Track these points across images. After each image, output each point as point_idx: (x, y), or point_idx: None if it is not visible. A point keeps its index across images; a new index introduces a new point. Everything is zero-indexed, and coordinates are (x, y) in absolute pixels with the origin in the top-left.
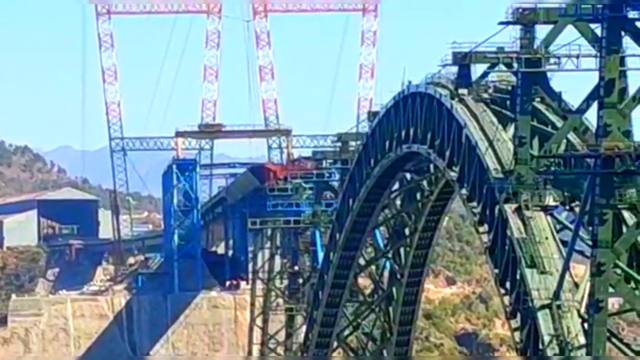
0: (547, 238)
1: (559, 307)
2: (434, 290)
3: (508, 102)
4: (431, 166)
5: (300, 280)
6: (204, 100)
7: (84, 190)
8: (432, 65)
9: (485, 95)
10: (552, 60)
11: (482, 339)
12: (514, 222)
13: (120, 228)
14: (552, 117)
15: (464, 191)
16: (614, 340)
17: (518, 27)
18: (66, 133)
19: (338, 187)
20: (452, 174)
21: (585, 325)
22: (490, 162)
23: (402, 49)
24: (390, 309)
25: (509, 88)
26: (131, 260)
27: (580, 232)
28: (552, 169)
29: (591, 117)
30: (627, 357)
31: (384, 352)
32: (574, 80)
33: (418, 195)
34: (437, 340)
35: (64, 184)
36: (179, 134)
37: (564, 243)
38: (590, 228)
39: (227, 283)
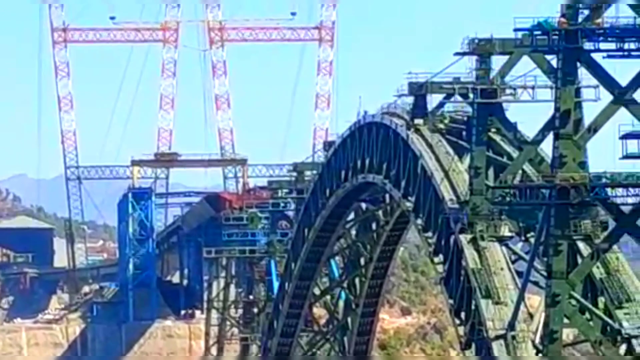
0: (502, 269)
1: (513, 337)
2: (388, 320)
3: (464, 133)
4: (387, 196)
5: (255, 310)
6: (159, 129)
7: (39, 218)
8: (388, 95)
9: (441, 126)
10: (507, 91)
11: None
12: (469, 252)
13: (75, 257)
14: (508, 148)
15: (419, 221)
16: None
17: (474, 57)
18: (21, 161)
19: (293, 217)
20: (408, 204)
21: (540, 356)
22: (445, 192)
23: (358, 79)
24: (345, 339)
25: (465, 118)
26: (86, 289)
27: (535, 262)
28: (508, 199)
29: (547, 148)
30: None
31: None
32: (529, 111)
33: (373, 225)
34: None
35: (18, 212)
36: (134, 163)
37: (519, 274)
38: (545, 259)
39: (182, 312)
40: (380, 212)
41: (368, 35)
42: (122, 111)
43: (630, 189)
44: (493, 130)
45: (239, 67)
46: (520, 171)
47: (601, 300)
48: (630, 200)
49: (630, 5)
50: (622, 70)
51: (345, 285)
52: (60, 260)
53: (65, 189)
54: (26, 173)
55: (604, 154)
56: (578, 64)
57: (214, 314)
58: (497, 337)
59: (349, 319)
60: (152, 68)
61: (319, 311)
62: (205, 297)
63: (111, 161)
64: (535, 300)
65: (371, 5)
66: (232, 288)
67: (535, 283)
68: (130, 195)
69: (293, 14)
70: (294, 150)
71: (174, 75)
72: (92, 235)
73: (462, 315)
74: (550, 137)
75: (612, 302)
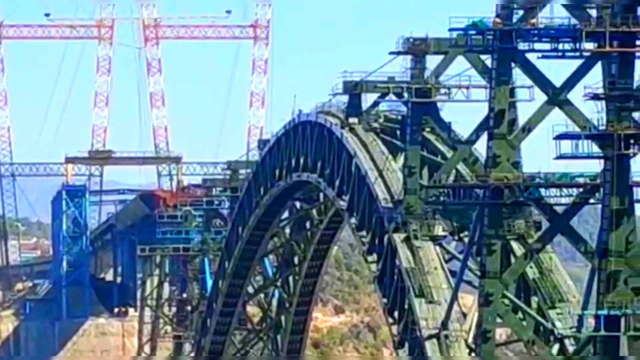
0: (435, 268)
1: (446, 336)
2: (322, 319)
3: (398, 132)
4: (321, 195)
5: (189, 308)
6: (94, 126)
7: None
8: (322, 94)
9: (376, 125)
10: (442, 91)
11: None
12: (403, 251)
13: (8, 254)
14: (442, 148)
15: (353, 220)
16: None
17: (409, 57)
18: None
19: (228, 215)
20: (342, 203)
21: (473, 355)
22: (379, 191)
23: (294, 78)
24: (279, 337)
25: (399, 118)
26: (19, 286)
27: (469, 262)
28: (441, 199)
29: (481, 147)
30: None
31: None
32: (464, 110)
33: (307, 224)
34: None
35: None
36: (68, 160)
37: (453, 273)
38: (479, 258)
39: (116, 310)
40: (314, 211)
41: (303, 34)
42: (56, 108)
43: (564, 189)
44: (427, 129)
45: (174, 64)
46: (454, 171)
47: (534, 300)
48: (563, 200)
49: (565, 6)
50: (556, 71)
51: (278, 283)
52: None
53: None
54: None
55: (538, 154)
56: (512, 64)
57: (148, 312)
58: (431, 337)
59: (283, 318)
60: (87, 65)
61: (252, 309)
62: (138, 295)
63: (45, 158)
64: (469, 300)
65: (307, 3)
66: (166, 286)
67: (469, 282)
68: (64, 192)
69: (228, 11)
70: (229, 148)
71: (108, 72)
72: (26, 232)
73: (396, 314)
74: (484, 136)
75: (545, 302)
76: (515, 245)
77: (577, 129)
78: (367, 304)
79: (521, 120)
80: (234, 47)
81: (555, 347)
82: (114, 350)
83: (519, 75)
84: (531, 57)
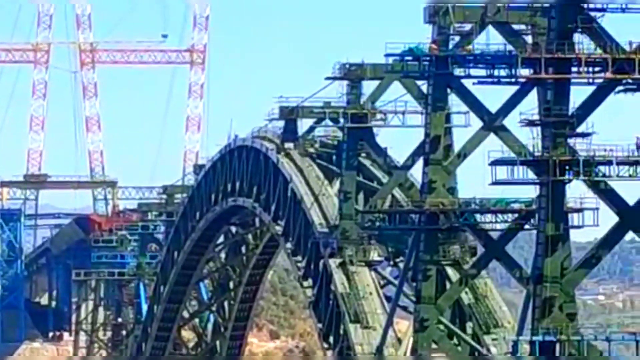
0: (371, 293)
1: None
2: (257, 344)
3: (334, 157)
4: (256, 220)
5: (124, 332)
6: (29, 150)
7: None
8: (259, 119)
9: (312, 150)
10: (378, 116)
11: None
12: (338, 276)
13: None
14: (378, 173)
15: (288, 245)
16: None
17: (345, 82)
18: None
19: (163, 240)
20: (278, 227)
21: None
22: (315, 216)
23: (230, 102)
24: None
25: (335, 143)
26: None
27: (404, 287)
28: (377, 224)
29: (416, 173)
30: None
31: None
32: (400, 136)
33: (243, 249)
34: None
35: None
36: (4, 184)
37: (388, 298)
38: (414, 284)
39: (50, 334)
40: (250, 236)
41: (240, 59)
42: None
43: (499, 215)
44: (363, 155)
45: (110, 88)
46: (389, 196)
47: (469, 325)
48: (498, 226)
49: (500, 32)
50: (492, 97)
51: (214, 308)
52: None
53: None
54: None
55: (473, 180)
56: (448, 90)
57: (82, 336)
58: None
59: (218, 342)
60: (22, 89)
61: (187, 334)
62: (73, 319)
63: None
64: (404, 325)
65: (243, 28)
66: (101, 310)
67: (404, 308)
68: None
69: (164, 36)
70: (165, 173)
71: (44, 96)
72: None
73: (331, 339)
74: (420, 162)
75: (480, 327)
76: (450, 270)
77: (513, 155)
78: (302, 329)
79: (457, 146)
80: (170, 71)
81: None
82: None
83: (454, 101)
84: (467, 83)
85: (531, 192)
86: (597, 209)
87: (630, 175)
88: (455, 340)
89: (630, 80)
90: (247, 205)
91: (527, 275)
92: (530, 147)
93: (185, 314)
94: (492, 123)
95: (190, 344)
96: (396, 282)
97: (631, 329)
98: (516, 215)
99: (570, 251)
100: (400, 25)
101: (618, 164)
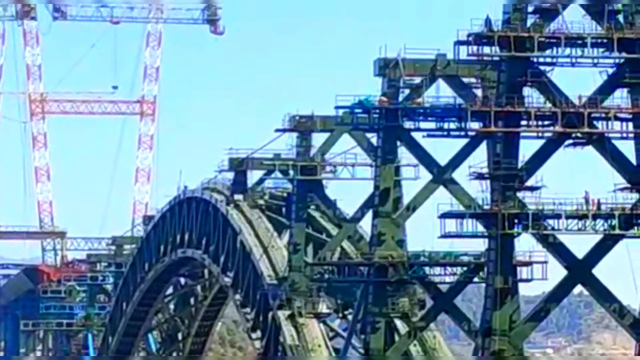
0: (319, 345)
1: None
2: None
3: (284, 209)
4: (205, 271)
5: None
6: None
7: None
8: (208, 170)
9: (261, 202)
10: (327, 168)
11: None
12: (287, 328)
13: None
14: (327, 225)
15: (237, 297)
16: None
17: (295, 134)
18: None
19: (112, 290)
20: (227, 279)
21: None
22: (264, 268)
23: (179, 154)
24: None
25: (285, 195)
26: None
27: (353, 340)
28: (326, 276)
29: (366, 225)
30: None
31: None
32: (349, 188)
33: (192, 300)
34: None
35: None
36: None
37: (337, 351)
38: (363, 336)
39: None
40: (198, 287)
41: (190, 110)
42: None
43: (448, 268)
44: (313, 207)
45: (59, 139)
46: (339, 248)
47: None
48: (447, 279)
49: (450, 85)
50: (442, 150)
51: None
52: None
53: None
54: None
55: (422, 233)
56: (398, 143)
57: None
58: None
59: None
60: None
61: None
62: None
63: None
64: None
65: (194, 79)
66: None
67: None
68: None
69: (115, 87)
70: (114, 223)
71: None
72: None
73: None
74: (369, 214)
75: None
76: (399, 323)
77: (462, 208)
78: None
79: (406, 199)
80: (120, 122)
81: None
82: None
83: (404, 154)
84: (417, 135)
85: (480, 245)
86: (545, 262)
87: (578, 229)
88: None
89: (579, 134)
90: (196, 256)
91: (476, 328)
92: (479, 200)
93: None
94: (442, 176)
95: None
96: (345, 334)
97: None
98: (465, 268)
99: (519, 304)
100: (350, 78)
101: (567, 217)
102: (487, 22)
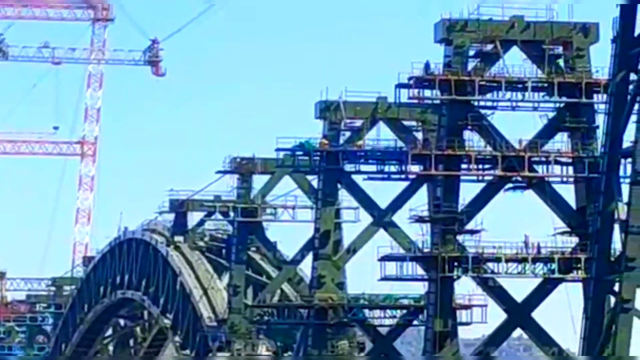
0: None
1: None
2: None
3: (224, 251)
4: (145, 312)
5: None
6: None
7: None
8: (149, 212)
9: (201, 244)
10: (268, 211)
11: None
12: None
13: None
14: (267, 267)
15: (177, 338)
16: None
17: (235, 176)
18: None
19: (51, 332)
20: (166, 321)
21: None
22: (204, 310)
23: (120, 195)
24: None
25: (225, 237)
26: None
27: None
28: (266, 318)
29: (306, 268)
30: None
31: None
32: (289, 230)
33: (131, 342)
34: None
35: None
36: None
37: None
38: None
39: None
40: (138, 329)
41: (131, 151)
42: None
43: (388, 311)
44: (253, 249)
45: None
46: (279, 290)
47: None
48: (387, 321)
49: (391, 128)
50: (382, 192)
51: None
52: None
53: None
54: None
55: (362, 275)
56: (338, 185)
57: None
58: None
59: None
60: None
61: None
62: None
63: None
64: None
65: (134, 120)
66: None
67: None
68: None
69: (56, 128)
70: (54, 264)
71: None
72: None
73: None
74: (309, 257)
75: None
76: None
77: (402, 251)
78: None
79: (346, 241)
80: (61, 163)
81: None
82: None
83: (345, 196)
84: (357, 178)
85: (420, 288)
86: (485, 305)
87: (518, 273)
88: None
89: (519, 178)
90: (136, 297)
91: None
92: (419, 243)
93: None
94: (382, 219)
95: None
96: None
97: None
98: (405, 311)
99: (459, 347)
100: (291, 120)
101: (507, 261)
102: (428, 65)
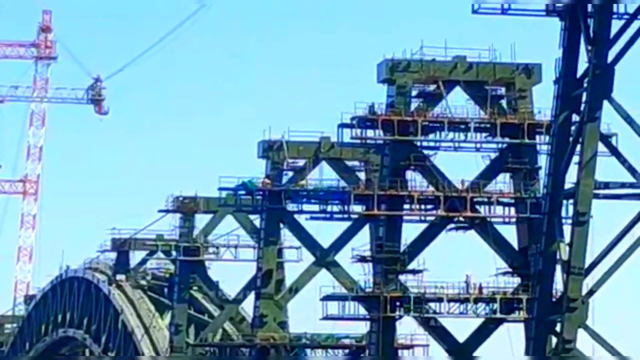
0: None
1: None
2: None
3: (166, 290)
4: (87, 351)
5: None
6: None
7: None
8: (91, 250)
9: (143, 282)
10: (210, 250)
11: None
12: None
13: None
14: (209, 306)
15: None
16: None
17: (178, 215)
18: None
19: None
20: None
21: None
22: (145, 348)
23: (62, 233)
24: None
25: (167, 276)
26: None
27: None
28: (208, 357)
29: (248, 307)
30: None
31: None
32: (232, 270)
33: None
34: None
35: None
36: None
37: None
38: None
39: None
40: None
41: (73, 189)
42: None
43: (330, 350)
44: (195, 288)
45: None
46: (220, 329)
47: None
48: None
49: (334, 168)
50: (325, 232)
51: None
52: None
53: None
54: None
55: (305, 315)
56: (281, 225)
57: None
58: None
59: None
60: None
61: None
62: None
63: None
64: None
65: (75, 159)
66: None
67: None
68: None
69: None
70: None
71: None
72: None
73: None
74: (251, 296)
75: None
76: None
77: (344, 291)
78: None
79: (289, 281)
80: (3, 201)
81: None
82: None
83: (287, 236)
84: (300, 218)
85: (362, 328)
86: (427, 345)
87: (460, 313)
88: None
89: (461, 218)
90: (78, 336)
91: None
92: (361, 283)
93: None
94: (324, 258)
95: None
96: None
97: None
98: (347, 350)
99: None
100: (234, 159)
101: (449, 301)
102: (373, 106)
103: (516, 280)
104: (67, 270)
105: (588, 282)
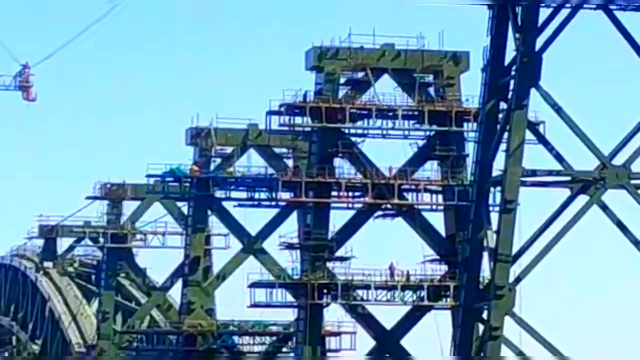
0: None
1: None
2: None
3: (93, 277)
4: (14, 338)
5: None
6: None
7: None
8: (18, 237)
9: (71, 269)
10: (138, 237)
11: None
12: None
13: None
14: (137, 293)
15: None
16: None
17: (105, 202)
18: None
19: None
20: (35, 346)
21: None
22: (73, 335)
23: None
24: None
25: (95, 262)
26: None
27: None
28: (135, 344)
29: (175, 294)
30: None
31: None
32: (159, 256)
33: None
34: None
35: None
36: None
37: None
38: None
39: None
40: (6, 354)
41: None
42: None
43: (257, 337)
44: (122, 275)
45: None
46: (148, 317)
47: None
48: (256, 348)
49: (262, 155)
50: (252, 219)
51: None
52: None
53: None
54: None
55: (232, 302)
56: (209, 212)
57: None
58: None
59: None
60: None
61: None
62: None
63: None
64: None
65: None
66: None
67: None
68: None
69: None
70: None
71: None
72: None
73: None
74: (179, 283)
75: None
76: None
77: (272, 278)
78: None
79: (216, 268)
80: None
81: None
82: None
83: (215, 223)
84: (228, 205)
85: (290, 315)
86: (354, 332)
87: (387, 300)
88: None
89: (389, 206)
90: (4, 323)
91: None
92: (289, 270)
93: None
94: (252, 245)
95: None
96: None
97: None
98: (274, 337)
99: None
100: (162, 146)
101: (376, 288)
102: (305, 94)
103: (443, 268)
104: None
105: (515, 270)
